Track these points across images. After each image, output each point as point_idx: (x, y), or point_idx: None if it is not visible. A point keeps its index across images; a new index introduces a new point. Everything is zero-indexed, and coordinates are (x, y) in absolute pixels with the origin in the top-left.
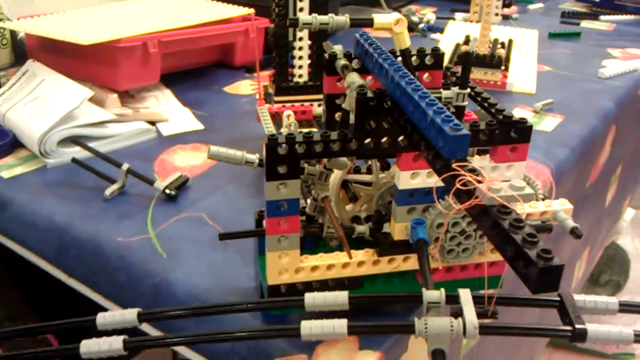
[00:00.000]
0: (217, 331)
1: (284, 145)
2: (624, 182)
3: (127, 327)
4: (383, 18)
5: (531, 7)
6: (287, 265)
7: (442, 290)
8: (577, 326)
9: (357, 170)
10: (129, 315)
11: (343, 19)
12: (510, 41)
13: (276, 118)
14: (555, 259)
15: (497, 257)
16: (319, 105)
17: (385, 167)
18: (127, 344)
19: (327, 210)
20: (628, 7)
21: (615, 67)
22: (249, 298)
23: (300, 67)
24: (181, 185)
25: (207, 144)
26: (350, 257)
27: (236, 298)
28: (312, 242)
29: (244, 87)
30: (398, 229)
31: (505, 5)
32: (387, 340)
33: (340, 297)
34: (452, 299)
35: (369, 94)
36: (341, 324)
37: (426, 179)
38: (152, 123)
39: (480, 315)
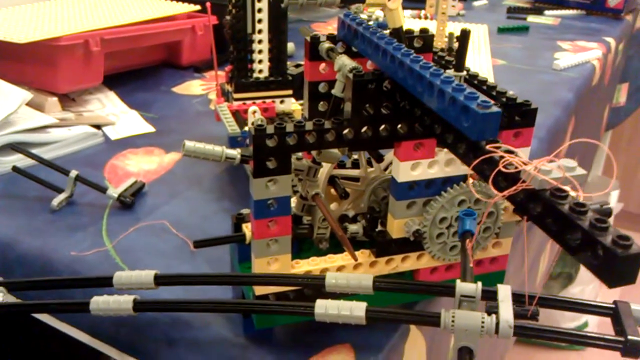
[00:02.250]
0: (222, 299)
1: (273, 136)
2: None
3: (143, 288)
4: None
5: (476, 3)
6: (277, 271)
7: (479, 283)
8: (629, 337)
9: (341, 166)
10: (146, 277)
11: None
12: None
13: (237, 116)
14: (634, 246)
15: (499, 252)
16: (281, 101)
17: (377, 159)
18: (137, 305)
19: (319, 209)
20: (570, 2)
21: (568, 59)
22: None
23: (260, 61)
24: (137, 191)
25: (160, 147)
26: (356, 259)
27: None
28: (296, 246)
29: (194, 87)
30: (397, 227)
31: None
32: (384, 348)
33: (365, 280)
34: (489, 295)
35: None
36: (360, 306)
37: (427, 169)
38: (98, 127)
39: (518, 316)
